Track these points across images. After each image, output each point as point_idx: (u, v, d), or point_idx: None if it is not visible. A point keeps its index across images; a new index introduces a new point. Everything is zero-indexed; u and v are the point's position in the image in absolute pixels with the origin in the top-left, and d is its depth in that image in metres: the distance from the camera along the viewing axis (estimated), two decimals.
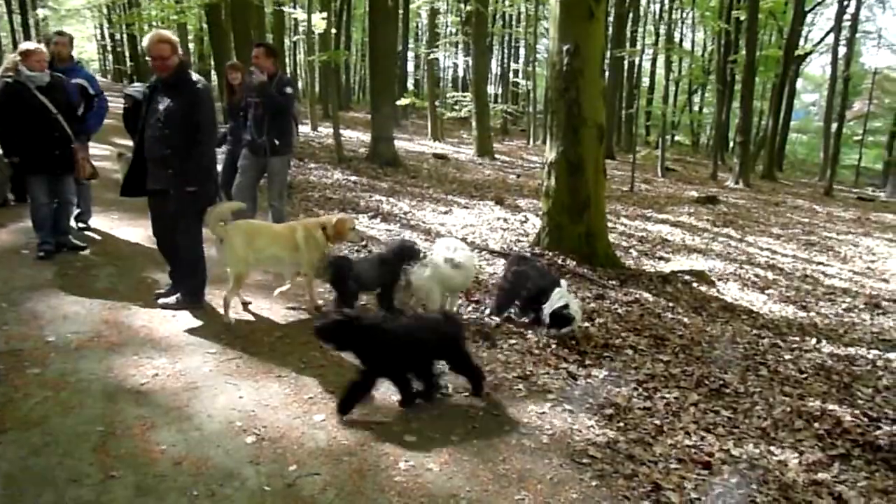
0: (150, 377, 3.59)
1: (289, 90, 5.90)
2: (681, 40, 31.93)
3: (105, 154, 9.32)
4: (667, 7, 28.72)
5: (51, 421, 3.08)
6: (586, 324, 5.05)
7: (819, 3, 27.46)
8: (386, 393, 3.56)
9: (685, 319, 5.71)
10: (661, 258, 8.38)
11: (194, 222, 4.43)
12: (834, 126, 23.54)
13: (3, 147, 5.45)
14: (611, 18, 19.94)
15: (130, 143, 5.44)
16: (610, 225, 8.11)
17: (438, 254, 4.77)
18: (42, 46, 5.48)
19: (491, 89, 33.30)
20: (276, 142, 5.90)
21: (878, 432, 3.80)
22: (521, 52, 34.73)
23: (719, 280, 7.47)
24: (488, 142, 18.31)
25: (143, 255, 5.83)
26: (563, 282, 4.86)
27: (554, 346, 4.57)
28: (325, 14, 12.69)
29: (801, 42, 25.18)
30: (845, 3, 23.61)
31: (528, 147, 22.56)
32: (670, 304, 6.06)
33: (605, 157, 9.03)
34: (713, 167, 20.49)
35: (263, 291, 5.07)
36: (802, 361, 5.05)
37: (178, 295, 4.60)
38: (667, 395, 4.02)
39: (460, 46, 28.10)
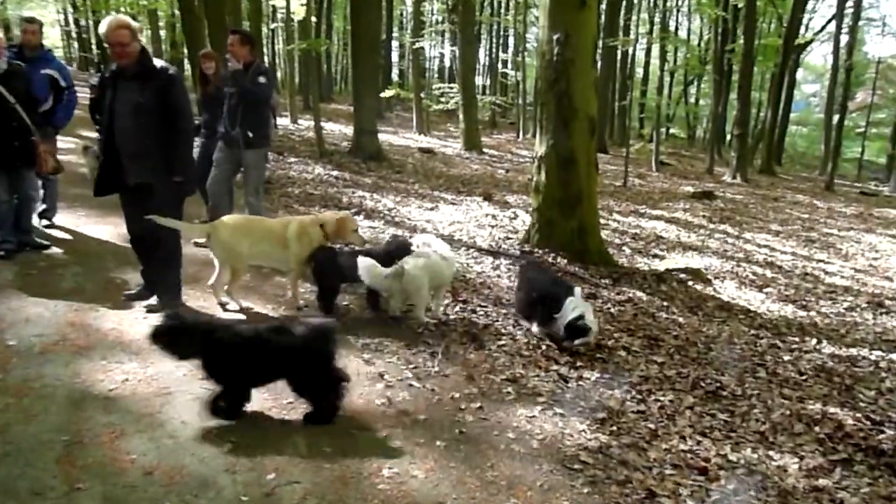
0: (120, 382, 3.47)
1: (262, 79, 5.75)
2: (676, 29, 31.68)
3: (70, 147, 9.06)
4: None
5: (12, 429, 2.96)
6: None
7: None
8: (368, 397, 3.49)
9: (680, 319, 5.67)
10: (655, 256, 8.36)
11: (177, 214, 4.36)
12: (835, 118, 23.24)
13: None
14: (603, 6, 19.52)
15: (96, 135, 5.26)
16: (602, 221, 8.08)
17: (434, 247, 4.78)
18: None
19: (479, 80, 32.91)
20: (251, 134, 5.75)
21: (881, 436, 3.78)
22: (511, 41, 34.60)
23: (716, 278, 7.44)
24: (476, 135, 18.15)
25: (112, 253, 5.67)
26: (577, 289, 4.75)
27: (544, 348, 4.52)
28: (304, 0, 12.40)
29: (802, 30, 24.42)
30: None
31: (517, 140, 22.44)
32: (665, 304, 6.02)
33: (598, 150, 9.00)
34: (709, 161, 20.42)
35: (243, 292, 4.94)
36: (802, 363, 5.02)
37: (154, 296, 4.46)
38: (661, 398, 4.00)
39: (447, 35, 27.78)
